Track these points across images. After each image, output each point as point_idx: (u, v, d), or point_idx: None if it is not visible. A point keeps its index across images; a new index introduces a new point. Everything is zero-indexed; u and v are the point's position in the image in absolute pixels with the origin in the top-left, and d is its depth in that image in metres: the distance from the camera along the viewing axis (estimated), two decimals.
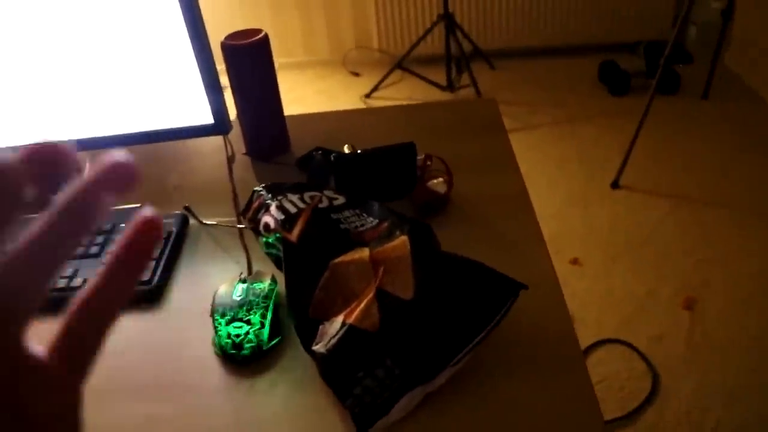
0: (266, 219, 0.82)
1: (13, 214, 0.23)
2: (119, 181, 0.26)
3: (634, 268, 2.18)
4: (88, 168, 0.26)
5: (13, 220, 0.23)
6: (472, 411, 0.69)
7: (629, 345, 1.91)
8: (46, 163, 0.24)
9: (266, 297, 0.80)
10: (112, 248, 0.27)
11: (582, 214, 2.45)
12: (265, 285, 0.82)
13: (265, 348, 0.77)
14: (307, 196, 0.85)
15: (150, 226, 0.28)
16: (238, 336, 0.76)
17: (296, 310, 0.74)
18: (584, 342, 1.93)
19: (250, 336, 0.76)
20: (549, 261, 0.89)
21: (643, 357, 1.88)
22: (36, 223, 0.24)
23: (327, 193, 0.87)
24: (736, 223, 2.34)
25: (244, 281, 0.82)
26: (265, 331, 0.77)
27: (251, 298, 0.79)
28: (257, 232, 0.83)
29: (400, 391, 0.66)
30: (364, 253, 0.75)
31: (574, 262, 2.23)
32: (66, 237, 0.25)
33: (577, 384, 0.72)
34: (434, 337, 0.68)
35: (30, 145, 0.24)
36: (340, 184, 0.99)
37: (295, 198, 0.84)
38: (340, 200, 0.87)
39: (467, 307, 0.70)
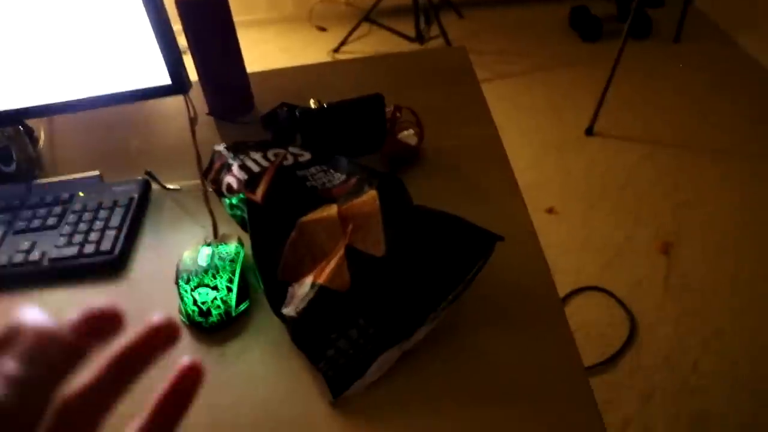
0: (228, 179, 0.78)
1: (69, 375, 0.26)
2: (164, 341, 0.29)
3: (611, 214, 2.17)
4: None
5: (68, 378, 0.25)
6: (451, 368, 0.67)
7: (607, 292, 1.91)
8: (101, 328, 0.28)
9: (232, 261, 0.76)
10: (156, 394, 0.29)
11: (557, 163, 2.43)
12: (231, 248, 0.78)
13: (233, 314, 0.74)
14: (270, 153, 0.81)
15: (193, 373, 0.30)
16: (204, 303, 0.73)
17: (264, 273, 0.71)
18: (563, 290, 1.92)
19: (217, 302, 0.73)
20: (525, 211, 0.86)
21: (621, 303, 1.88)
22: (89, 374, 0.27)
23: (292, 149, 0.83)
24: (712, 165, 2.33)
25: (209, 245, 0.79)
26: (233, 296, 0.74)
27: (217, 262, 0.76)
28: (220, 194, 0.80)
29: (375, 352, 0.64)
30: (332, 210, 0.72)
31: (550, 211, 2.22)
32: (114, 389, 0.28)
33: (557, 335, 0.70)
34: (408, 294, 0.66)
35: (87, 311, 0.27)
36: (307, 140, 0.95)
37: (258, 156, 0.80)
38: (306, 156, 0.83)
39: (441, 261, 0.67)
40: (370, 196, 0.71)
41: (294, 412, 0.65)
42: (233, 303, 0.74)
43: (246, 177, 0.76)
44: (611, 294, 1.90)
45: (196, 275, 0.74)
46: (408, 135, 0.97)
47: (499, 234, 0.70)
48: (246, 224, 0.75)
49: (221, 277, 0.74)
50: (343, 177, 0.81)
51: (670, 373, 1.72)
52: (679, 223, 2.11)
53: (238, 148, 0.82)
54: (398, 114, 0.97)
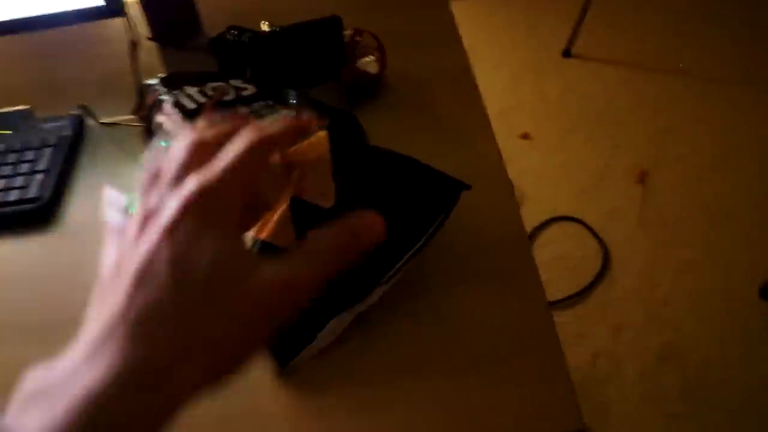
0: (160, 118, 0.69)
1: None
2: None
3: (588, 140, 2.11)
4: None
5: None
6: (409, 331, 0.62)
7: (581, 222, 1.87)
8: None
9: None
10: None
11: (532, 86, 2.34)
12: None
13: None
14: (209, 88, 0.72)
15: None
16: None
17: None
18: (536, 219, 1.88)
19: None
20: (497, 150, 0.79)
21: (595, 234, 1.84)
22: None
23: (234, 82, 0.74)
24: (692, 90, 2.25)
25: None
26: None
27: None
28: (150, 133, 0.71)
29: (326, 316, 0.58)
30: (275, 154, 0.63)
31: (525, 136, 2.14)
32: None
33: (528, 291, 0.64)
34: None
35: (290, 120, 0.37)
36: (257, 68, 0.86)
37: (193, 91, 0.71)
38: (250, 90, 0.74)
39: (399, 214, 0.59)
40: (319, 138, 0.63)
41: (237, 383, 0.59)
42: None
43: (180, 115, 0.68)
44: (585, 224, 1.86)
45: None
46: (368, 62, 0.88)
47: (465, 182, 0.63)
48: None
49: None
50: (292, 114, 0.73)
51: (641, 306, 1.70)
52: (657, 151, 2.05)
53: (172, 82, 0.73)
54: (358, 38, 0.88)
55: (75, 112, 0.88)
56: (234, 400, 0.58)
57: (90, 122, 0.88)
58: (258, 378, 0.59)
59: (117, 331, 0.28)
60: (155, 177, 0.33)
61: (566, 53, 2.48)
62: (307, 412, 0.57)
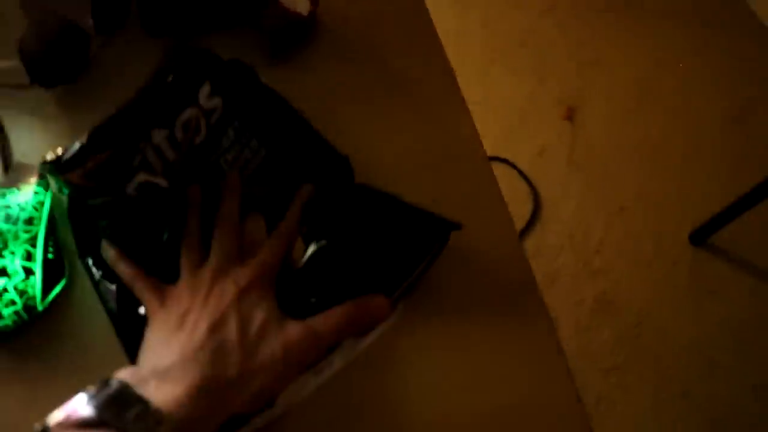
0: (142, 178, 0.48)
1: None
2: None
3: (512, 74, 1.95)
4: None
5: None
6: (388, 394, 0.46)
7: (510, 163, 1.74)
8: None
9: (30, 220, 0.48)
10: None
11: (452, 15, 2.14)
12: (27, 195, 0.49)
13: (39, 308, 0.46)
14: (178, 126, 0.49)
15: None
16: None
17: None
18: None
19: (11, 295, 0.45)
20: (466, 111, 0.62)
21: (525, 177, 1.72)
22: None
23: (202, 100, 0.50)
24: (620, 23, 2.11)
25: None
26: (35, 281, 0.46)
27: (3, 226, 0.47)
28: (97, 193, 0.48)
29: None
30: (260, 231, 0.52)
31: None
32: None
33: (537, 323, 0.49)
34: (330, 300, 0.46)
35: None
36: (149, 18, 0.64)
37: (161, 138, 0.48)
38: (217, 110, 0.51)
39: (383, 259, 0.51)
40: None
41: None
42: (38, 291, 0.46)
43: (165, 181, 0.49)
44: (514, 166, 1.73)
45: None
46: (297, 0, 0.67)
47: (454, 221, 0.51)
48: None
49: (13, 252, 0.46)
50: (261, 152, 0.54)
51: (574, 255, 1.61)
52: (584, 84, 1.93)
53: (118, 131, 0.48)
54: None
55: None
56: None
57: None
58: None
59: (200, 355, 0.41)
60: (194, 242, 0.48)
61: None
62: None
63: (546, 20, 2.10)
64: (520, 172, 1.72)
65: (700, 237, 1.63)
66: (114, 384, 0.37)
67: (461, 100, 0.63)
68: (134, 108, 0.48)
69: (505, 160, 1.74)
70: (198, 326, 0.42)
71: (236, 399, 0.41)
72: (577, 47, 2.01)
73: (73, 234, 0.49)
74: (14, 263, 0.45)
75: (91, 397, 0.36)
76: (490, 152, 1.68)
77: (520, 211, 1.66)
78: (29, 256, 0.46)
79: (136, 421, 0.35)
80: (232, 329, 0.42)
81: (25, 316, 0.46)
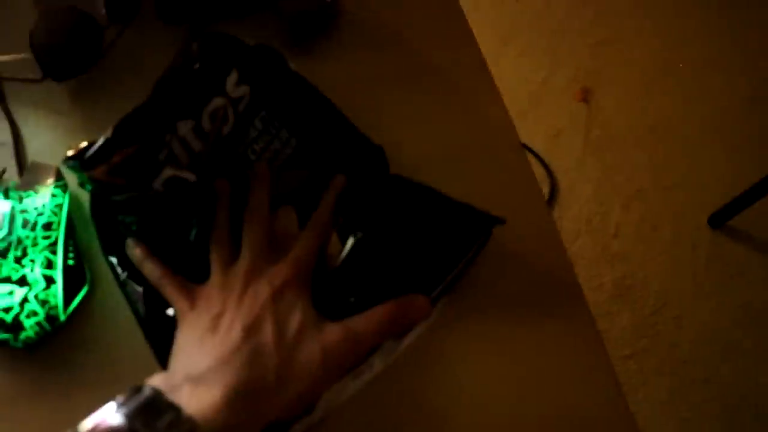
0: (169, 173, 0.46)
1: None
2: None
3: (524, 55, 1.91)
4: None
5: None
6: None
7: (526, 147, 1.70)
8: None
9: (49, 225, 0.45)
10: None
11: None
12: (44, 197, 0.46)
13: (62, 318, 0.44)
14: (205, 116, 0.46)
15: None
16: (8, 310, 0.42)
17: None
18: None
19: (31, 305, 0.43)
20: (501, 105, 0.59)
21: (541, 160, 1.69)
22: None
23: (229, 89, 0.48)
24: None
25: (6, 193, 0.47)
26: (57, 290, 0.44)
27: (21, 232, 0.44)
28: (135, 190, 0.46)
29: None
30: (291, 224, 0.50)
31: None
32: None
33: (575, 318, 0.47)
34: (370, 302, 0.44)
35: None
36: (164, 5, 0.62)
37: (187, 130, 0.46)
38: (245, 98, 0.49)
39: (422, 256, 0.48)
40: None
41: None
42: (59, 301, 0.44)
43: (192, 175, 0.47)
44: (530, 149, 1.70)
45: None
46: None
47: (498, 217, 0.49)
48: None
49: (32, 261, 0.43)
50: (291, 142, 0.51)
51: (592, 239, 1.58)
52: (598, 65, 1.88)
53: (143, 122, 0.46)
54: None
55: None
56: None
57: None
58: None
59: (236, 360, 0.39)
60: (224, 241, 0.47)
61: None
62: None
63: (558, 0, 2.05)
64: (536, 155, 1.69)
65: (719, 220, 1.60)
66: (145, 391, 0.36)
67: (494, 88, 0.60)
68: (160, 99, 0.46)
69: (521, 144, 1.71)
70: (232, 328, 0.41)
71: (274, 404, 0.39)
72: (591, 26, 1.97)
73: (96, 232, 0.47)
74: (34, 272, 0.43)
75: (121, 405, 0.34)
76: None
77: None
78: (49, 264, 0.44)
79: (168, 430, 0.34)
80: (268, 332, 0.41)
81: (47, 326, 0.43)
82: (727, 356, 1.46)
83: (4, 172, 0.50)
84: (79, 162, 0.42)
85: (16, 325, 0.42)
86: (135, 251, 0.46)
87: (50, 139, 0.55)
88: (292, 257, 0.44)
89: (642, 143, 1.74)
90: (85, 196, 0.49)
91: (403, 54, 0.61)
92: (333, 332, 0.42)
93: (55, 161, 0.49)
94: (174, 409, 0.35)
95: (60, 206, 0.47)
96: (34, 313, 0.43)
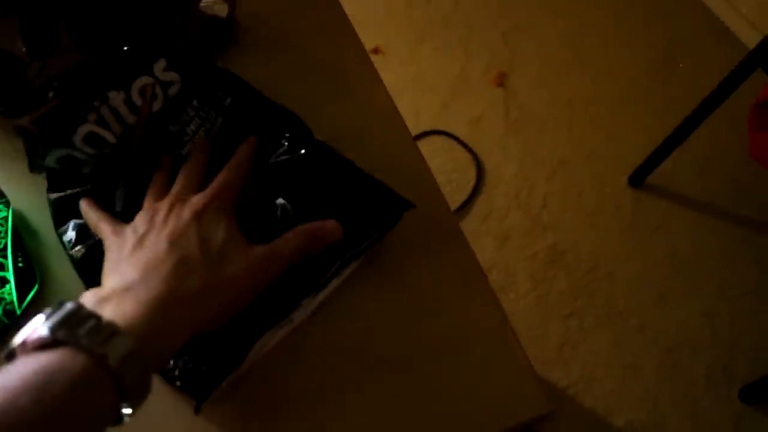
0: (88, 128, 0.54)
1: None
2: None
3: (441, 48, 2.01)
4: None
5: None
6: (345, 345, 0.51)
7: (449, 134, 1.81)
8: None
9: None
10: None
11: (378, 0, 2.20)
12: None
13: (18, 313, 0.51)
14: (135, 90, 0.55)
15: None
16: None
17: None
18: None
19: None
20: (383, 90, 0.68)
21: (465, 145, 1.78)
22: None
23: (157, 72, 0.56)
24: None
25: None
26: (11, 288, 0.51)
27: None
28: (47, 146, 0.53)
29: (252, 336, 0.49)
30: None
31: (376, 51, 2.02)
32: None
33: (458, 259, 0.56)
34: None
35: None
36: (72, 23, 0.68)
37: (119, 102, 0.54)
38: (176, 85, 0.57)
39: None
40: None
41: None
42: (14, 297, 0.51)
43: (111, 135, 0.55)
44: (453, 136, 1.80)
45: None
46: (213, 2, 0.72)
47: (407, 199, 0.56)
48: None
49: None
50: (219, 121, 0.59)
51: (522, 212, 1.69)
52: (511, 51, 2.00)
53: (81, 81, 0.55)
54: None
55: None
56: None
57: None
58: (168, 425, 0.47)
59: (161, 270, 0.42)
60: (160, 186, 0.52)
61: None
62: None
63: None
64: (460, 141, 1.78)
65: (638, 179, 1.72)
66: (68, 305, 0.38)
67: (377, 78, 0.68)
68: (88, 66, 0.55)
69: (443, 132, 1.80)
70: (158, 242, 0.45)
71: (201, 313, 0.43)
72: (498, 17, 2.08)
73: (51, 211, 0.55)
74: None
75: (46, 319, 0.37)
76: (428, 126, 1.76)
77: (464, 178, 1.73)
78: (1, 267, 0.51)
79: (88, 336, 0.36)
80: (193, 244, 0.45)
81: (5, 320, 0.50)
82: (658, 303, 1.57)
83: None
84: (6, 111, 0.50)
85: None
86: (81, 203, 0.52)
87: None
88: (211, 187, 0.50)
89: (559, 118, 1.85)
90: (27, 209, 0.56)
91: (295, 55, 0.70)
92: (257, 249, 0.47)
93: None
94: (95, 317, 0.37)
95: (5, 218, 0.54)
96: None
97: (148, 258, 0.44)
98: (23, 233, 0.56)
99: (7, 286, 0.51)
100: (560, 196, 1.71)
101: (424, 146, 1.79)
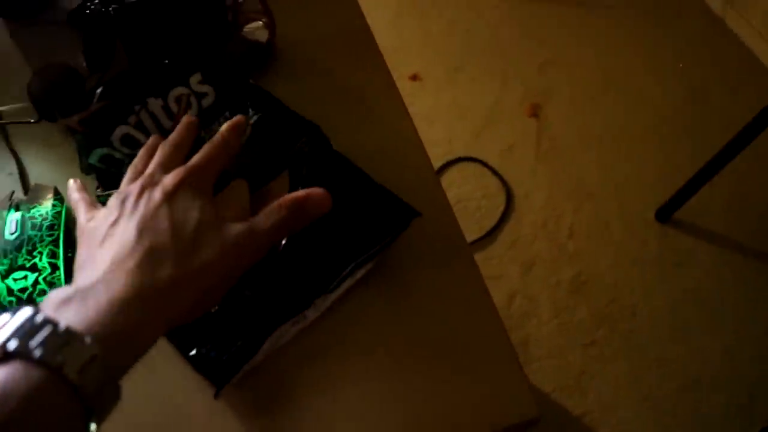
0: (126, 130, 0.61)
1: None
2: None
3: (477, 77, 2.08)
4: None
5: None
6: (354, 346, 0.57)
7: (480, 161, 1.86)
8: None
9: (52, 226, 0.59)
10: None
11: (417, 25, 2.27)
12: (47, 208, 0.60)
13: None
14: (172, 99, 0.62)
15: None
16: (24, 290, 0.56)
17: None
18: (435, 163, 1.85)
19: (42, 286, 0.56)
20: (406, 117, 0.73)
21: (495, 173, 1.83)
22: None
23: (192, 84, 0.63)
24: (575, 20, 2.25)
25: (17, 207, 0.61)
26: (61, 274, 0.57)
27: (30, 232, 0.58)
28: (89, 147, 0.60)
29: (267, 329, 0.53)
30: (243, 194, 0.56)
31: (414, 78, 2.09)
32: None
33: (465, 275, 0.60)
34: (305, 261, 0.56)
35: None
36: (128, 43, 0.75)
37: (157, 107, 0.61)
38: (209, 97, 0.64)
39: (346, 228, 0.58)
40: (281, 183, 0.58)
41: (172, 415, 0.52)
42: (62, 282, 0.57)
43: (145, 137, 0.61)
44: (484, 164, 1.85)
45: (5, 256, 0.57)
46: (255, 29, 0.79)
47: (414, 208, 0.60)
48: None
49: (41, 252, 0.57)
50: (248, 129, 0.64)
51: (548, 241, 1.72)
52: (545, 83, 2.05)
53: (124, 88, 0.63)
54: (241, 1, 0.79)
55: None
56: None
57: None
58: (190, 405, 0.53)
59: (128, 262, 0.39)
60: (140, 166, 0.50)
61: None
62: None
63: (508, 22, 2.23)
64: (491, 169, 1.83)
65: (665, 214, 1.75)
66: (24, 310, 0.35)
67: (401, 103, 0.74)
68: (131, 75, 0.64)
69: (475, 159, 1.85)
70: (126, 232, 0.41)
71: (176, 304, 0.40)
72: (536, 49, 2.14)
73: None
74: (42, 261, 0.57)
75: (1, 327, 0.34)
76: (461, 153, 1.81)
77: (493, 204, 1.78)
78: (53, 255, 0.57)
79: (42, 346, 0.32)
80: (163, 230, 0.41)
81: None
82: (679, 338, 1.58)
83: (12, 193, 0.64)
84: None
85: (30, 303, 0.56)
86: (69, 183, 0.52)
87: (47, 167, 0.69)
88: (187, 164, 0.46)
89: (589, 150, 1.89)
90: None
91: (325, 79, 0.76)
92: (233, 229, 0.43)
93: (53, 183, 0.63)
94: (50, 323, 0.34)
95: (59, 213, 0.60)
96: (44, 292, 0.56)
97: (115, 251, 0.40)
98: (73, 228, 0.62)
99: (58, 272, 0.57)
100: (586, 227, 1.74)
101: (456, 172, 1.84)
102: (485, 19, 2.27)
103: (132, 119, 0.60)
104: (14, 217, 0.59)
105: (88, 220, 0.46)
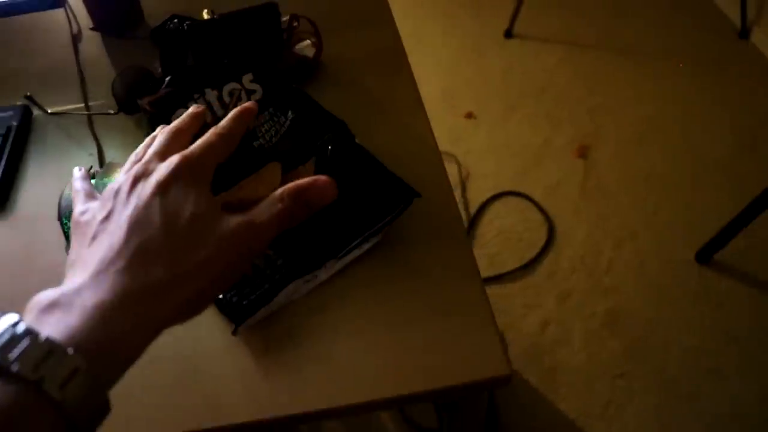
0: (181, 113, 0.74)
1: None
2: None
3: (529, 118, 2.18)
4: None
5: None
6: (356, 305, 0.66)
7: (525, 196, 1.94)
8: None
9: None
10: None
11: (475, 66, 2.40)
12: (114, 180, 0.73)
13: None
14: (226, 92, 0.75)
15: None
16: None
17: None
18: (482, 196, 1.94)
19: None
20: (427, 126, 0.84)
21: (539, 207, 1.91)
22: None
23: (245, 82, 0.77)
24: (627, 67, 2.34)
25: (93, 177, 0.74)
26: None
27: None
28: (156, 120, 0.73)
29: (282, 282, 0.63)
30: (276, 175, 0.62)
31: (469, 116, 2.20)
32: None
33: (458, 256, 0.69)
34: (320, 230, 0.66)
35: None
36: (198, 55, 0.89)
37: (213, 97, 0.75)
38: (258, 93, 0.76)
39: (357, 206, 0.68)
40: (308, 169, 0.69)
41: (190, 345, 0.63)
42: None
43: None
44: (529, 198, 1.93)
45: None
46: (305, 46, 0.92)
47: (416, 190, 0.70)
48: None
49: None
50: (287, 121, 0.75)
51: (585, 275, 1.78)
52: (594, 127, 2.13)
53: (184, 78, 0.77)
54: (295, 24, 0.92)
55: (21, 102, 0.90)
56: (187, 361, 0.62)
57: (36, 112, 0.90)
58: (210, 339, 0.63)
59: (117, 263, 0.37)
60: (141, 154, 0.47)
61: (508, 34, 2.54)
62: (258, 371, 0.62)
63: (563, 67, 2.32)
64: (535, 204, 1.91)
65: (705, 255, 1.77)
66: (4, 320, 0.33)
67: (424, 114, 0.84)
68: (194, 70, 0.78)
69: (521, 194, 1.93)
70: (117, 229, 0.39)
71: (168, 306, 0.37)
72: (587, 95, 2.22)
73: None
74: None
75: None
76: (507, 187, 1.90)
77: (535, 237, 1.85)
78: None
79: (20, 360, 0.31)
80: (155, 225, 0.39)
81: None
82: (711, 377, 1.60)
83: (91, 167, 0.78)
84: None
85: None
86: (74, 170, 0.54)
87: (122, 150, 0.83)
88: (183, 152, 0.43)
89: (632, 192, 1.94)
90: None
91: (362, 93, 0.87)
92: (230, 222, 0.41)
93: (123, 162, 0.77)
94: (30, 334, 0.32)
95: None
96: None
97: (104, 250, 0.38)
98: None
99: None
100: (625, 264, 1.79)
101: (501, 205, 1.93)
102: (541, 63, 2.37)
103: (191, 104, 0.73)
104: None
105: (82, 213, 0.44)
